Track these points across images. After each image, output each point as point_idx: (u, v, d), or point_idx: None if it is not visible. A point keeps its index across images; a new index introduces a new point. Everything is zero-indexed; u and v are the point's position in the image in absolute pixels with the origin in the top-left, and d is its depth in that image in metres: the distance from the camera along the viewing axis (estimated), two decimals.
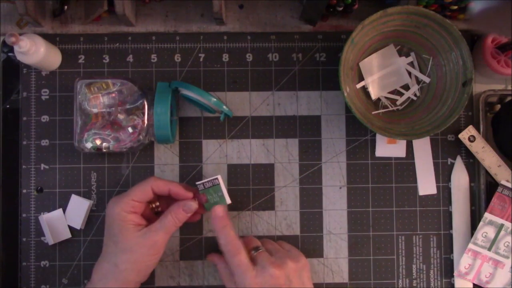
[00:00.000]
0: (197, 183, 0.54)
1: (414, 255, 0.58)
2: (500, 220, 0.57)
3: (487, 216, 0.57)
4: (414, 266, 0.58)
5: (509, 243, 0.57)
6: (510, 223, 0.56)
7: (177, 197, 0.53)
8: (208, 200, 0.54)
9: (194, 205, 0.52)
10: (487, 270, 0.57)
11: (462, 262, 0.57)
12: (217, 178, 0.53)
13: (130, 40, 0.59)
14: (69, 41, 0.59)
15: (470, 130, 0.58)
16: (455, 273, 0.58)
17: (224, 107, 0.55)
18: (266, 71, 0.59)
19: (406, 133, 0.54)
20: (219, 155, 0.59)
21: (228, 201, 0.54)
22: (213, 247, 0.58)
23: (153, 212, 0.55)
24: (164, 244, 0.51)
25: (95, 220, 0.58)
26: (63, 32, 0.60)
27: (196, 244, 0.58)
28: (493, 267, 0.57)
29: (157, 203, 0.55)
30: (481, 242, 0.57)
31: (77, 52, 0.59)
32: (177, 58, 0.59)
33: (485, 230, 0.57)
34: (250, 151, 0.59)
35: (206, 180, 0.53)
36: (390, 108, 0.59)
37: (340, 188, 0.59)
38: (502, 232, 0.57)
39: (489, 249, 0.57)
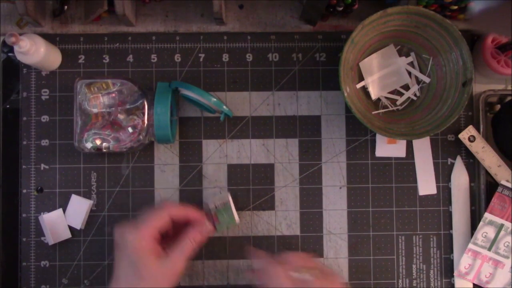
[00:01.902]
0: (210, 206, 0.54)
1: (414, 255, 0.58)
2: (500, 220, 0.57)
3: (487, 216, 0.57)
4: (414, 266, 0.58)
5: (509, 243, 0.57)
6: (510, 223, 0.56)
7: (194, 221, 0.52)
8: (219, 220, 0.54)
9: (210, 227, 0.52)
10: (487, 270, 0.57)
11: (462, 262, 0.57)
12: (228, 197, 0.54)
13: (130, 40, 0.59)
14: (69, 41, 0.59)
15: (470, 130, 0.58)
16: (455, 273, 0.58)
17: (224, 107, 0.55)
18: (266, 71, 0.59)
19: (406, 133, 0.54)
20: (219, 155, 0.59)
21: (237, 220, 0.54)
22: (213, 247, 0.58)
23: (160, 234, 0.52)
24: (184, 268, 0.50)
25: (95, 220, 0.58)
26: (63, 32, 0.60)
27: None
28: (493, 267, 0.57)
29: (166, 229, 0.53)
30: (481, 242, 0.57)
31: (77, 52, 0.59)
32: (177, 58, 0.59)
33: (485, 230, 0.57)
34: (250, 151, 0.59)
35: (217, 200, 0.54)
36: (390, 108, 0.59)
37: (340, 188, 0.59)
38: (502, 232, 0.57)
39: (489, 249, 0.57)
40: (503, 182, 0.57)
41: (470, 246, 0.57)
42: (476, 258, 0.57)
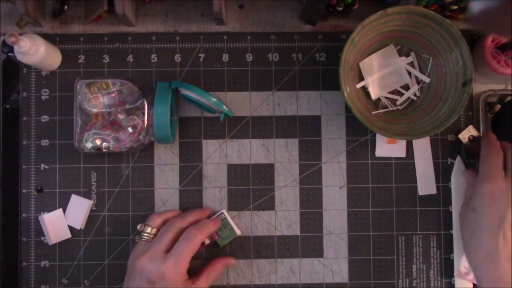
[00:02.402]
0: None
1: (414, 255, 0.58)
2: None
3: None
4: (414, 266, 0.58)
5: None
6: None
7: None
8: (219, 235, 0.57)
9: (233, 262, 0.57)
10: None
11: (462, 262, 0.57)
12: (223, 213, 0.57)
13: (130, 40, 0.59)
14: (69, 41, 0.59)
15: (470, 130, 0.57)
16: (455, 273, 0.58)
17: (224, 107, 0.55)
18: (266, 71, 0.59)
19: (406, 133, 0.54)
20: (219, 155, 0.59)
21: (238, 232, 0.57)
22: (212, 247, 0.58)
23: None
24: None
25: (95, 220, 0.58)
26: (63, 32, 0.60)
27: None
28: None
29: None
30: None
31: (77, 52, 0.59)
32: (177, 58, 0.59)
33: None
34: (250, 151, 0.59)
35: (213, 217, 0.57)
36: (390, 108, 0.59)
37: (340, 188, 0.59)
38: None
39: None
40: None
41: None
42: None
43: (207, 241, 0.56)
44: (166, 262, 0.50)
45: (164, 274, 0.49)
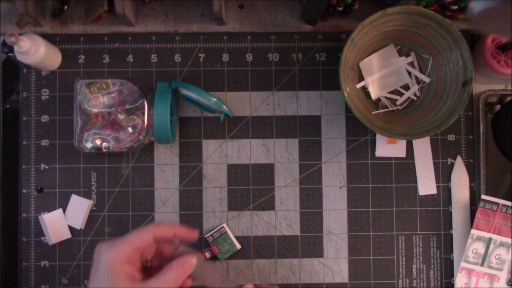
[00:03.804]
0: (206, 236, 0.57)
1: (414, 255, 0.58)
2: (487, 234, 0.56)
3: (473, 232, 0.56)
4: (414, 266, 0.58)
5: (500, 255, 0.56)
6: (497, 236, 0.56)
7: (184, 239, 0.47)
8: (219, 250, 0.57)
9: (194, 260, 0.45)
10: (484, 286, 0.56)
11: (458, 282, 0.56)
12: (223, 227, 0.57)
13: (130, 40, 0.59)
14: (69, 41, 0.59)
15: None
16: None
17: (224, 107, 0.55)
18: (266, 71, 0.59)
19: (406, 133, 0.54)
20: (219, 155, 0.59)
21: (238, 246, 0.57)
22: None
23: (141, 260, 0.46)
24: None
25: (95, 220, 0.58)
26: (63, 32, 0.60)
27: (195, 244, 0.58)
28: (489, 282, 0.56)
29: (148, 258, 0.47)
30: (472, 259, 0.56)
31: (77, 52, 0.59)
32: (177, 58, 0.59)
33: (474, 247, 0.56)
34: (250, 151, 0.59)
35: (213, 231, 0.57)
36: (390, 108, 0.59)
37: (340, 188, 0.59)
38: (492, 246, 0.56)
39: (482, 264, 0.56)
40: (484, 197, 0.56)
41: (463, 264, 0.56)
42: (470, 276, 0.56)
43: (207, 255, 0.56)
44: (110, 242, 0.43)
45: (102, 253, 0.43)
